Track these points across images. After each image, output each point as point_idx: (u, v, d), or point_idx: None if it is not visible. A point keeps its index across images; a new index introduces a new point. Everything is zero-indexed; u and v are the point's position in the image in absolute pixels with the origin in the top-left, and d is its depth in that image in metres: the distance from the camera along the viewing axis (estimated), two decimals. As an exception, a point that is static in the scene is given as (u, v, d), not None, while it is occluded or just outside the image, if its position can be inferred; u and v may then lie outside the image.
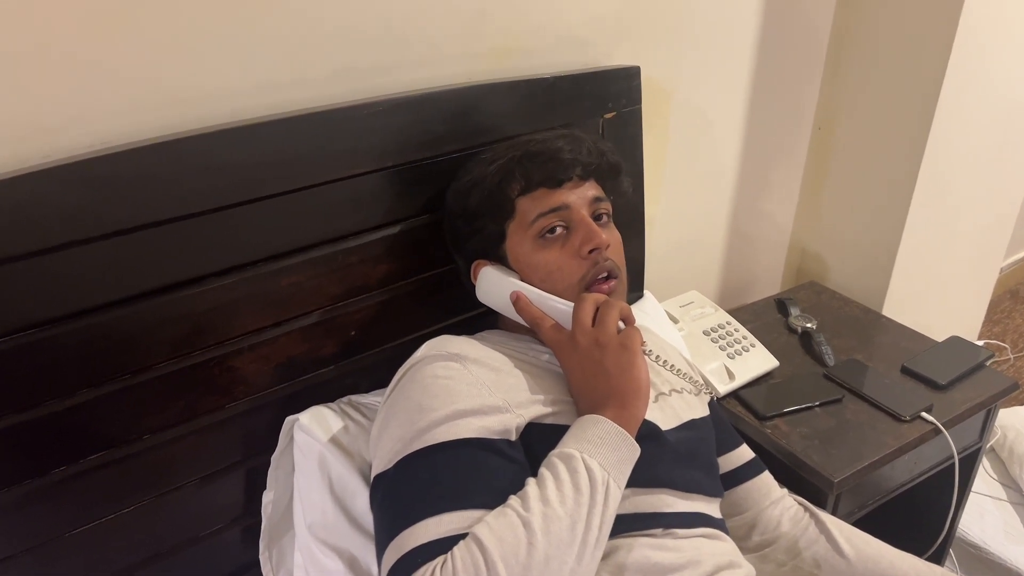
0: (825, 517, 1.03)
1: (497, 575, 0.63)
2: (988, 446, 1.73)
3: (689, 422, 0.96)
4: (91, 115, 0.86)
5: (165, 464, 0.96)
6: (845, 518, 1.08)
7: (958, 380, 1.40)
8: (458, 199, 0.97)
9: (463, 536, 0.68)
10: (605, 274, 0.90)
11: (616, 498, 0.74)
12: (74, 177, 0.80)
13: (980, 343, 1.64)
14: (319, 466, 0.97)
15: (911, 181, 1.62)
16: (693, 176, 1.60)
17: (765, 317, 1.66)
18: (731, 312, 1.56)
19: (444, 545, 0.67)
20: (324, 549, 0.96)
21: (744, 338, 1.47)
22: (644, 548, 0.80)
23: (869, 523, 1.13)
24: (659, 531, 0.83)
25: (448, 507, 0.70)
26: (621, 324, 0.85)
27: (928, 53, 1.52)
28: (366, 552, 0.96)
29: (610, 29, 1.29)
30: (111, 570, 0.97)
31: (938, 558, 1.57)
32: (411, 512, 0.71)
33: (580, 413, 0.81)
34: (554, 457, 0.74)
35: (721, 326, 1.48)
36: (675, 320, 1.48)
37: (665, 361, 0.99)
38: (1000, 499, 1.74)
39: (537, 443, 0.79)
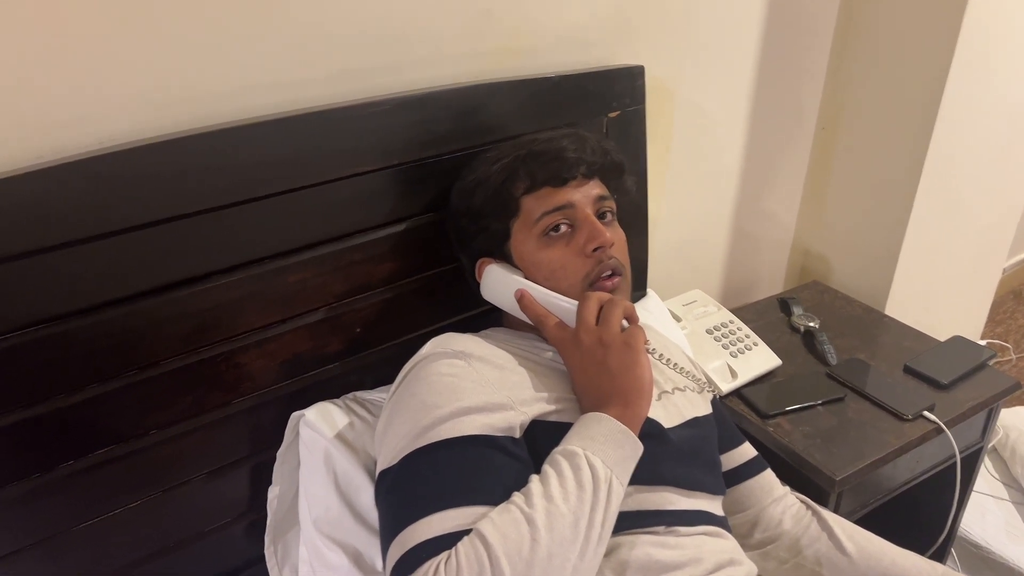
0: (827, 515, 1.04)
1: (501, 571, 0.64)
2: (990, 446, 1.73)
3: (692, 420, 0.97)
4: (96, 114, 0.87)
5: (171, 459, 0.97)
6: (847, 517, 1.08)
7: (960, 380, 1.40)
8: (462, 198, 0.98)
9: (467, 532, 0.68)
10: (609, 272, 0.90)
11: (619, 496, 0.74)
12: (79, 175, 0.81)
13: (982, 343, 1.64)
14: (324, 461, 0.97)
15: (914, 181, 1.62)
16: (696, 175, 1.60)
17: (768, 316, 1.66)
18: (734, 311, 1.56)
19: (448, 541, 0.68)
20: (329, 544, 0.97)
21: (747, 337, 1.47)
22: (646, 546, 0.81)
23: (871, 522, 1.13)
24: (661, 529, 0.83)
25: (452, 503, 0.71)
26: (625, 323, 0.85)
27: (932, 53, 1.52)
28: (371, 547, 0.96)
29: (614, 29, 1.29)
30: (118, 564, 0.98)
31: (940, 557, 1.57)
32: (415, 508, 0.71)
33: (583, 411, 0.82)
34: (557, 454, 0.74)
35: (724, 325, 1.49)
36: (678, 319, 1.48)
37: (668, 359, 0.99)
38: (1002, 498, 1.74)
39: (541, 440, 0.80)
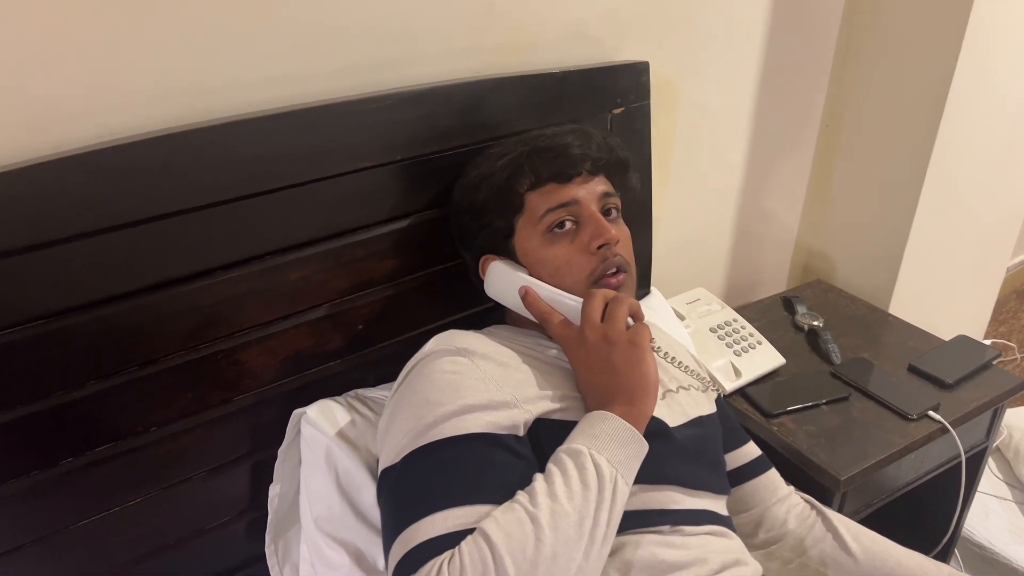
0: (832, 515, 1.03)
1: (505, 570, 0.63)
2: (994, 446, 1.72)
3: (696, 419, 0.96)
4: (100, 106, 0.86)
5: (172, 456, 0.96)
6: (851, 516, 1.07)
7: (965, 379, 1.39)
8: (466, 194, 0.97)
9: (470, 531, 0.67)
10: (614, 269, 0.90)
11: (624, 495, 0.73)
12: (82, 168, 0.80)
13: (987, 342, 1.63)
14: (326, 459, 0.97)
15: (919, 180, 1.61)
16: (700, 172, 1.59)
17: (772, 315, 1.66)
18: (738, 309, 1.56)
19: (451, 540, 0.67)
20: (330, 542, 0.96)
21: (751, 335, 1.46)
22: (651, 545, 0.80)
23: (874, 522, 1.12)
24: (666, 528, 0.83)
25: (455, 502, 0.70)
26: (630, 320, 0.84)
27: (937, 51, 1.51)
28: (372, 546, 0.96)
29: (619, 24, 1.28)
30: (118, 562, 0.97)
31: (943, 557, 1.56)
32: (418, 507, 0.71)
33: (588, 409, 0.81)
34: (562, 453, 0.74)
35: (728, 323, 1.48)
36: (682, 317, 1.47)
37: (673, 358, 0.98)
38: (1005, 499, 1.74)
39: (545, 439, 0.79)
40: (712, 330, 1.46)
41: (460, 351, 0.83)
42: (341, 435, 0.97)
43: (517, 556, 0.64)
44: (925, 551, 1.01)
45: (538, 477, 0.72)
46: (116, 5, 0.83)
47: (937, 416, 1.29)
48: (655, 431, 0.85)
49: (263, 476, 1.04)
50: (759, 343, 1.45)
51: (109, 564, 0.97)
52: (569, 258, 0.90)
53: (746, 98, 1.58)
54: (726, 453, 1.04)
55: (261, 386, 1.00)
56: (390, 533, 0.72)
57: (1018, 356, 2.62)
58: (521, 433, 0.80)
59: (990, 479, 1.78)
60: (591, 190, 0.92)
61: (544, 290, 0.89)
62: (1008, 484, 1.78)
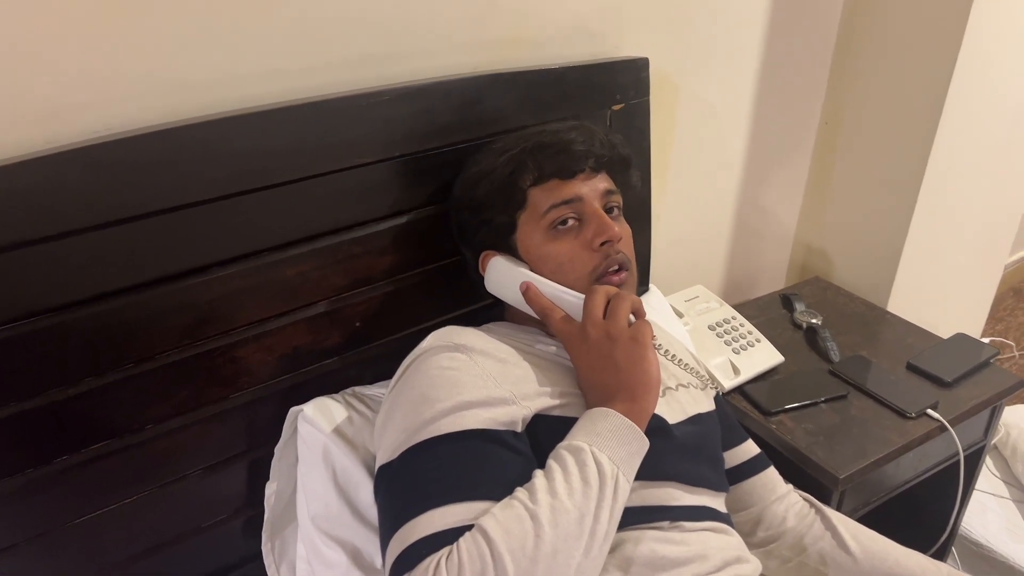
0: (831, 513, 1.03)
1: (504, 568, 0.63)
2: (992, 444, 1.72)
3: (695, 416, 0.96)
4: (97, 101, 0.86)
5: (168, 454, 0.96)
6: (849, 515, 1.07)
7: (964, 377, 1.39)
8: (467, 189, 0.97)
9: (468, 528, 0.67)
10: (616, 266, 0.90)
11: (625, 492, 0.73)
12: (79, 163, 0.79)
13: (985, 340, 1.63)
14: (323, 457, 0.96)
15: (917, 177, 1.61)
16: (699, 170, 1.59)
17: (770, 312, 1.66)
18: (736, 307, 1.56)
19: (449, 536, 0.67)
20: (327, 540, 0.96)
21: (749, 333, 1.46)
22: (651, 541, 0.80)
23: (873, 520, 1.12)
24: (666, 524, 0.83)
25: (453, 498, 0.70)
26: (631, 317, 0.84)
27: (937, 49, 1.50)
28: (369, 544, 0.95)
29: (619, 20, 1.28)
30: (114, 560, 0.97)
31: (941, 555, 1.57)
32: (416, 503, 0.70)
33: (589, 405, 0.81)
34: (562, 450, 0.73)
35: (726, 321, 1.48)
36: (680, 314, 1.47)
37: (673, 355, 0.98)
38: (1003, 497, 1.74)
39: (543, 435, 0.79)
40: (711, 328, 1.46)
41: (458, 347, 0.83)
42: (338, 433, 0.96)
43: (516, 553, 0.64)
44: (923, 549, 1.01)
45: (538, 474, 0.72)
46: (115, 1, 0.82)
47: (935, 414, 1.29)
48: (655, 428, 0.84)
49: (260, 474, 1.03)
50: (758, 341, 1.45)
51: (105, 562, 0.96)
52: (572, 254, 0.89)
53: (746, 95, 1.58)
54: (725, 451, 1.04)
55: (258, 383, 1.00)
56: (387, 530, 0.72)
57: (1016, 354, 2.62)
58: (519, 429, 0.79)
59: (988, 477, 1.78)
60: (594, 187, 0.91)
61: (545, 286, 0.89)
62: (1005, 482, 1.78)
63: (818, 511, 1.04)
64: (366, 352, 1.08)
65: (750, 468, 1.06)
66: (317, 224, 0.97)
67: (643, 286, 1.41)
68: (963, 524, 1.63)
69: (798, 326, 1.59)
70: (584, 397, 0.84)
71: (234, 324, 0.95)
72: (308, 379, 1.04)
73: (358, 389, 1.05)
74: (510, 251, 0.94)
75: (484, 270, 0.96)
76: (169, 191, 0.85)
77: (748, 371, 1.40)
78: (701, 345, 1.42)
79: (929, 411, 1.29)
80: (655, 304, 1.39)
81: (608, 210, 0.92)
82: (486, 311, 1.07)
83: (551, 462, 0.73)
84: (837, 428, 1.27)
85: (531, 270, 0.91)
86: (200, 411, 0.96)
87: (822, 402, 1.34)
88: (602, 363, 0.81)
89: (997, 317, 2.86)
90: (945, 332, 1.54)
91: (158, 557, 1.00)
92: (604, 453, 0.72)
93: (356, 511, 0.96)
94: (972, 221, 1.83)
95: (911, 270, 1.74)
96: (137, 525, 0.97)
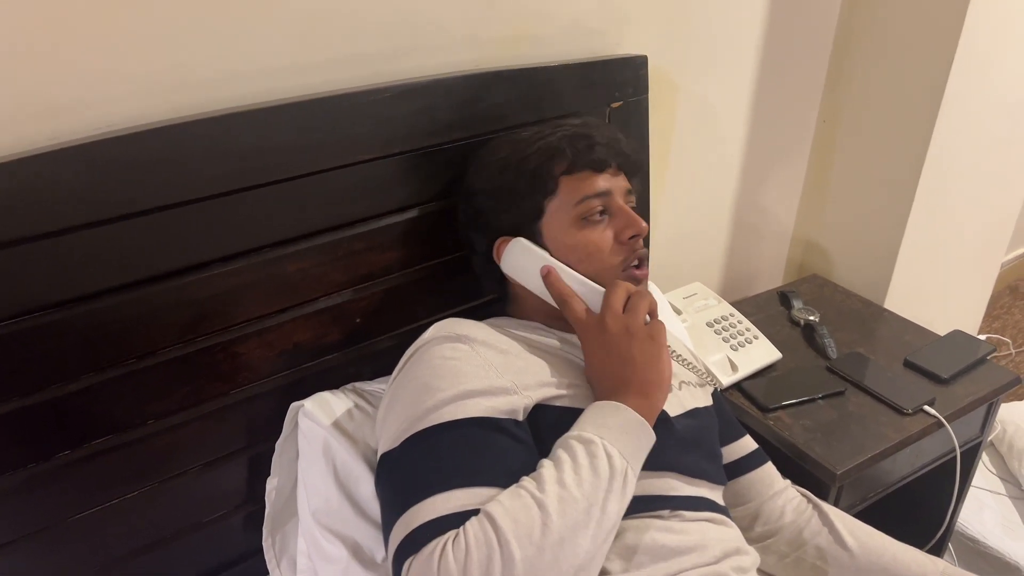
0: (828, 509, 1.03)
1: (510, 554, 0.63)
2: (988, 440, 1.73)
3: (693, 410, 0.97)
4: (97, 98, 0.86)
5: (169, 450, 0.96)
6: (846, 510, 1.08)
7: (960, 374, 1.40)
8: (490, 176, 0.96)
9: (473, 512, 0.67)
10: (637, 261, 0.91)
11: (632, 487, 0.74)
12: (79, 160, 0.79)
13: (981, 337, 1.64)
14: (323, 452, 0.97)
15: (915, 175, 1.61)
16: (697, 167, 1.59)
17: (768, 309, 1.66)
18: (734, 304, 1.56)
19: (454, 521, 0.67)
20: (327, 535, 0.96)
21: (747, 330, 1.47)
22: (652, 531, 0.81)
23: (870, 516, 1.13)
24: (666, 513, 0.83)
25: (457, 484, 0.70)
26: (647, 316, 0.85)
27: (934, 47, 1.51)
28: (369, 538, 0.96)
29: (618, 18, 1.28)
30: (114, 555, 0.97)
31: (937, 551, 1.57)
32: (419, 489, 0.71)
33: (598, 396, 0.81)
34: (572, 440, 0.74)
35: (724, 318, 1.48)
36: (678, 312, 1.47)
37: (679, 355, 0.99)
38: (999, 493, 1.75)
39: (545, 425, 0.79)
40: (709, 324, 1.46)
41: (460, 337, 0.83)
42: (339, 428, 0.97)
43: (523, 540, 0.64)
44: (919, 545, 1.02)
45: (545, 463, 0.72)
46: (113, -4, 0.83)
47: (932, 411, 1.29)
48: (657, 419, 0.85)
49: (260, 469, 1.04)
50: (755, 338, 1.46)
51: (106, 557, 0.97)
52: (601, 244, 0.90)
53: (744, 94, 1.58)
54: (723, 446, 1.04)
55: (258, 379, 1.00)
56: (390, 516, 0.72)
57: (1012, 351, 2.63)
58: (520, 418, 0.80)
59: (984, 474, 1.79)
60: (618, 184, 0.93)
61: (566, 273, 0.89)
62: (1002, 479, 1.79)
63: (816, 506, 1.04)
64: (366, 348, 1.08)
65: (748, 463, 1.06)
66: (318, 220, 0.98)
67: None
68: (960, 520, 1.64)
69: (796, 323, 1.59)
70: (593, 387, 0.85)
71: (234, 320, 0.95)
72: (308, 375, 1.04)
73: (358, 384, 1.06)
74: (532, 237, 0.93)
75: (500, 255, 0.96)
76: (170, 188, 0.85)
77: (746, 368, 1.40)
78: (699, 342, 1.42)
79: (926, 408, 1.30)
80: (653, 301, 1.39)
81: None
82: (485, 308, 1.07)
83: (560, 451, 0.73)
84: (835, 424, 1.28)
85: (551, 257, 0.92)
86: (201, 407, 0.96)
87: (820, 398, 1.34)
88: (618, 356, 0.81)
89: (994, 315, 2.87)
90: (942, 329, 1.55)
91: (159, 552, 1.01)
92: (615, 447, 0.73)
93: (357, 506, 0.96)
94: (969, 219, 1.83)
95: (908, 267, 1.75)
96: (138, 521, 0.97)
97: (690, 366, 1.02)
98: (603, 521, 0.69)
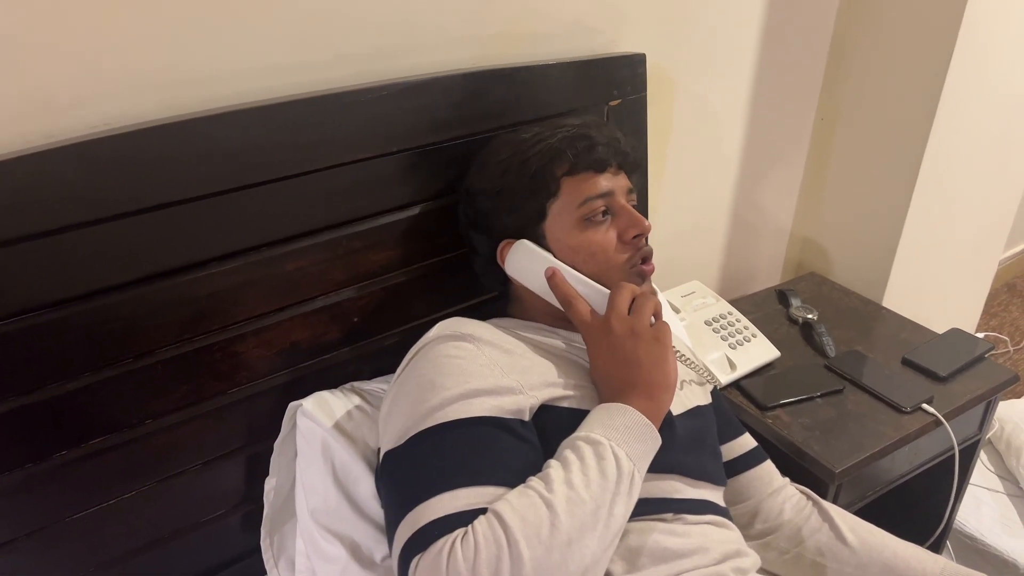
0: (827, 506, 1.04)
1: (519, 553, 0.63)
2: (986, 438, 1.73)
3: (694, 409, 0.97)
4: (94, 96, 0.85)
5: (167, 449, 0.96)
6: (845, 508, 1.08)
7: (958, 372, 1.40)
8: (491, 177, 0.96)
9: (481, 511, 0.67)
10: (641, 259, 0.92)
11: (638, 489, 0.74)
12: (76, 158, 0.79)
13: (979, 336, 1.64)
14: (322, 452, 0.96)
15: (913, 173, 1.62)
16: (695, 165, 1.59)
17: (766, 308, 1.66)
18: (732, 302, 1.56)
19: (462, 519, 0.67)
20: (326, 535, 0.96)
21: (745, 328, 1.47)
22: (656, 533, 0.81)
23: (868, 514, 1.13)
24: (669, 516, 0.83)
25: (464, 482, 0.70)
26: (652, 318, 0.85)
27: (932, 46, 1.51)
28: (368, 538, 0.95)
29: (616, 16, 1.28)
30: (112, 554, 0.97)
31: (936, 549, 1.57)
32: (425, 487, 0.70)
33: (603, 398, 0.81)
34: (580, 441, 0.74)
35: (723, 316, 1.48)
36: (677, 310, 1.48)
37: (683, 355, 0.99)
38: (997, 491, 1.75)
39: (550, 426, 0.79)
40: (707, 323, 1.46)
41: (465, 336, 0.83)
42: (337, 427, 0.96)
43: (531, 540, 0.64)
44: (918, 542, 1.02)
45: (552, 464, 0.72)
46: (110, -7, 0.82)
47: (930, 409, 1.29)
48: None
49: (259, 469, 1.04)
50: (754, 336, 1.46)
51: (104, 557, 0.96)
52: (605, 244, 0.91)
53: (742, 91, 1.58)
54: (722, 444, 1.05)
55: (257, 378, 1.00)
56: (395, 515, 0.72)
57: (1010, 349, 2.64)
58: (526, 418, 0.80)
59: (982, 471, 1.79)
60: (619, 184, 0.93)
61: (571, 274, 0.89)
62: (1000, 476, 1.79)
63: (815, 503, 1.04)
64: (365, 347, 1.08)
65: (747, 461, 1.06)
66: (316, 219, 0.97)
67: (640, 281, 1.42)
68: (958, 518, 1.64)
69: (794, 321, 1.59)
70: (598, 388, 0.84)
71: (233, 319, 0.95)
72: (307, 374, 1.04)
73: (357, 384, 1.05)
74: (535, 239, 0.93)
75: (504, 256, 0.96)
76: (167, 186, 0.85)
77: (744, 366, 1.40)
78: (698, 340, 1.42)
79: (924, 406, 1.30)
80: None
81: None
82: (485, 306, 1.07)
83: (567, 452, 0.73)
84: (833, 422, 1.28)
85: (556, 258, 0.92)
86: (199, 406, 0.96)
87: (818, 397, 1.34)
88: (624, 358, 0.81)
89: (992, 312, 2.87)
90: (940, 327, 1.55)
91: (157, 552, 1.00)
92: (622, 449, 0.73)
93: (355, 505, 0.96)
94: (967, 217, 1.83)
95: (906, 265, 1.75)
96: (136, 520, 0.97)
97: (691, 364, 1.02)
98: (610, 523, 0.69)
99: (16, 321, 0.80)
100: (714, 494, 0.92)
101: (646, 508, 0.81)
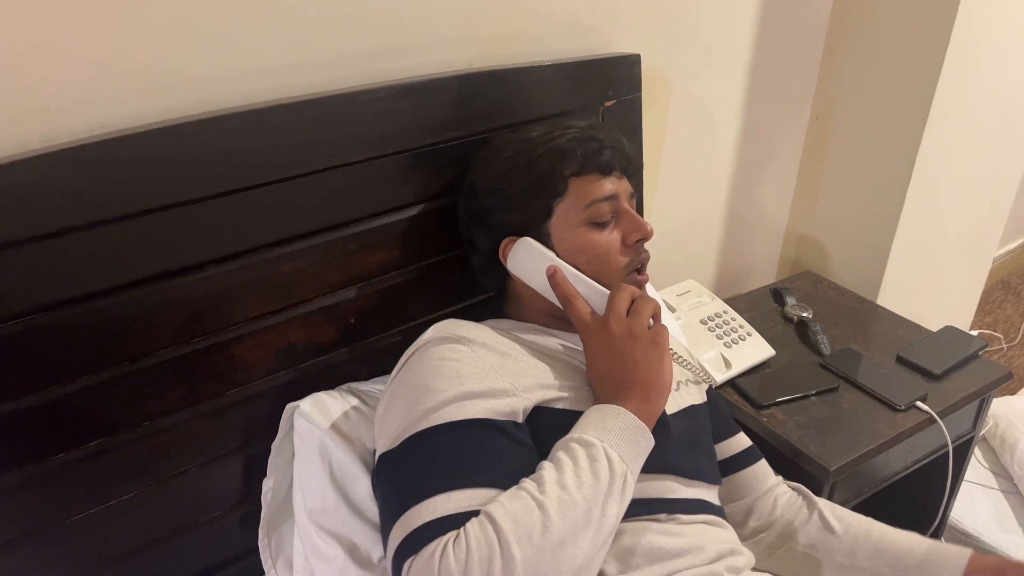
0: (818, 501, 1.04)
1: (511, 555, 0.63)
2: (980, 435, 1.74)
3: (688, 408, 0.97)
4: (92, 98, 0.85)
5: (165, 450, 0.96)
6: (840, 505, 1.08)
7: (953, 370, 1.41)
8: (496, 175, 0.96)
9: (473, 513, 0.68)
10: (639, 266, 0.93)
11: (631, 490, 0.74)
12: (74, 161, 0.79)
13: (973, 333, 1.65)
14: (319, 453, 0.97)
15: (907, 171, 1.62)
16: (691, 165, 1.60)
17: (761, 306, 1.67)
18: (728, 301, 1.57)
19: (455, 521, 0.67)
20: (324, 536, 0.96)
21: (741, 327, 1.47)
22: (650, 533, 0.81)
23: (863, 511, 1.13)
24: (663, 516, 0.84)
25: (457, 484, 0.70)
26: (650, 320, 0.85)
27: (925, 44, 1.52)
28: (366, 539, 0.96)
29: (611, 16, 1.28)
30: (110, 555, 0.97)
31: (930, 545, 1.58)
32: (419, 489, 0.71)
33: (599, 399, 0.82)
34: (573, 443, 0.74)
35: (718, 315, 1.49)
36: (672, 309, 1.48)
37: (680, 357, 0.99)
38: (991, 488, 1.76)
39: (544, 428, 0.80)
40: (702, 322, 1.47)
41: (459, 339, 0.84)
42: (335, 428, 0.97)
43: (523, 541, 0.64)
44: (913, 539, 1.02)
45: (545, 465, 0.72)
46: (107, -3, 0.82)
47: (925, 407, 1.30)
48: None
49: (256, 470, 1.04)
50: (749, 335, 1.46)
51: (102, 557, 0.97)
52: (609, 247, 0.91)
53: (737, 90, 1.59)
54: (716, 444, 1.05)
55: (254, 379, 1.00)
56: (389, 516, 0.72)
57: (1004, 346, 2.65)
58: (520, 420, 0.80)
59: (976, 468, 1.80)
60: (623, 187, 0.94)
61: (572, 274, 0.90)
62: (994, 473, 1.80)
63: (806, 499, 1.05)
64: (361, 348, 1.08)
65: (742, 460, 1.07)
66: (312, 221, 0.98)
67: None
68: (952, 515, 1.65)
69: (789, 320, 1.60)
70: (594, 389, 0.85)
71: (230, 321, 0.95)
72: (304, 375, 1.04)
73: (354, 385, 1.06)
74: (538, 237, 0.94)
75: (506, 253, 0.96)
76: (164, 189, 0.85)
77: (740, 365, 1.41)
78: (693, 339, 1.43)
79: (918, 403, 1.31)
80: (648, 299, 1.39)
81: None
82: (480, 307, 1.08)
83: (560, 454, 0.73)
84: (828, 421, 1.29)
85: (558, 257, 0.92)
86: (196, 407, 0.96)
87: (813, 395, 1.35)
88: (621, 358, 0.82)
89: (986, 310, 2.88)
90: (934, 325, 1.56)
91: (155, 552, 1.01)
92: (615, 451, 0.73)
93: (352, 506, 0.96)
94: (961, 215, 1.84)
95: (901, 264, 1.76)
96: (134, 521, 0.97)
97: (686, 364, 1.03)
98: (603, 524, 0.70)
99: (15, 324, 0.80)
100: (708, 493, 0.92)
101: (640, 508, 0.82)
